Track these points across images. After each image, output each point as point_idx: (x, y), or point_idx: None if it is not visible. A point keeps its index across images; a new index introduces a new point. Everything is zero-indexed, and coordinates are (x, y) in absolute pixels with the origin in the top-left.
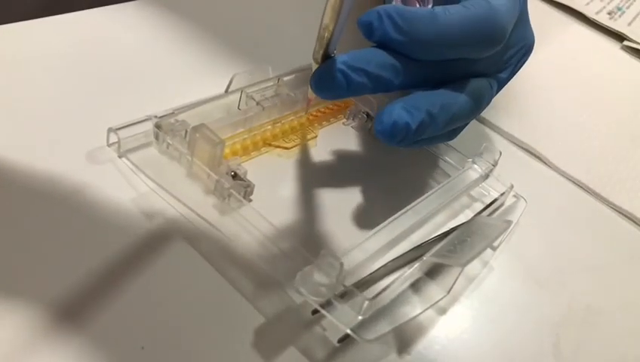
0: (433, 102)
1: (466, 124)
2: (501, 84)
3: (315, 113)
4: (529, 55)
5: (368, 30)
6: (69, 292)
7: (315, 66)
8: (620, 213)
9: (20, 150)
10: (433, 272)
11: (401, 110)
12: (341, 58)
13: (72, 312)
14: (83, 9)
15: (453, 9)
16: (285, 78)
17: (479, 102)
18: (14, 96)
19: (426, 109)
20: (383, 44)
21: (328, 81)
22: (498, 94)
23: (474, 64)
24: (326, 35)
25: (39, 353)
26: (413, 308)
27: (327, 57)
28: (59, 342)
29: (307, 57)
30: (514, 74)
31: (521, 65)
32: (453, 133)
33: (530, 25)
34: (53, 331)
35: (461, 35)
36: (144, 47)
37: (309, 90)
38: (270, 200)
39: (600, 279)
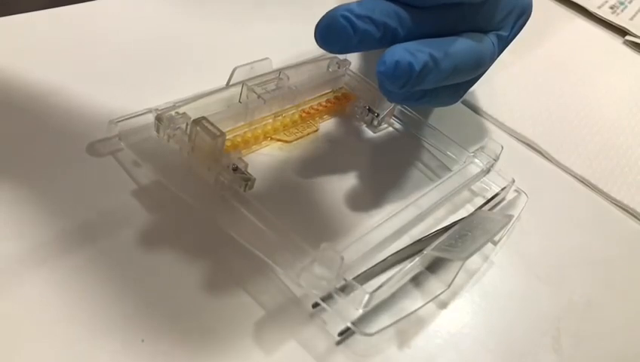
0: (436, 47)
1: (469, 85)
2: (502, 41)
3: (316, 107)
4: (526, 17)
5: None
6: (69, 286)
7: None
8: (621, 207)
9: (21, 142)
10: (434, 266)
11: (404, 51)
12: (344, 7)
13: (71, 306)
14: (84, 1)
15: None
16: (286, 71)
17: (482, 56)
18: (15, 88)
19: (429, 52)
20: None
21: (334, 30)
22: (501, 88)
23: (473, 17)
24: None
25: (39, 350)
26: (414, 302)
27: None
28: (59, 338)
29: (308, 50)
30: (514, 35)
31: (521, 27)
32: (457, 90)
33: None
34: (53, 327)
35: None
36: (145, 40)
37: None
38: (271, 193)
39: (600, 274)
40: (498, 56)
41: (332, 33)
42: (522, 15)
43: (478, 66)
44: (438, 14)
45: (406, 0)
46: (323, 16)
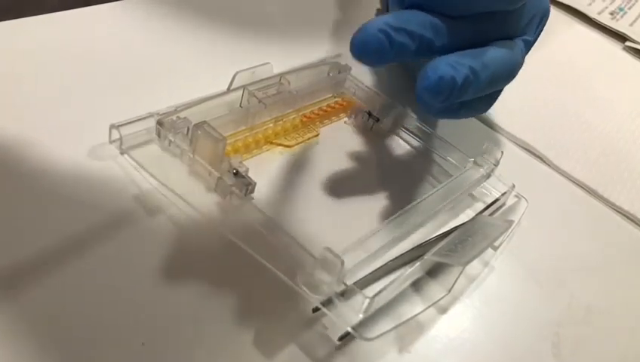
0: (475, 59)
1: (501, 91)
2: (528, 46)
3: (317, 111)
4: (546, 20)
5: None
6: (70, 290)
7: None
8: (620, 213)
9: (22, 146)
10: (434, 271)
11: (446, 65)
12: (380, 20)
13: (73, 309)
14: (88, 5)
15: None
16: (288, 76)
17: (515, 62)
18: (16, 92)
19: (469, 65)
20: (417, 7)
21: (371, 42)
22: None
23: (504, 24)
24: None
25: (40, 349)
26: (414, 307)
27: None
28: (60, 339)
29: (310, 55)
30: (536, 38)
31: (541, 30)
32: (491, 98)
33: None
34: (54, 328)
35: None
36: (146, 44)
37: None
38: (271, 198)
39: (600, 279)
40: (524, 58)
41: (369, 47)
42: (544, 18)
43: (511, 74)
44: (471, 23)
45: (441, 10)
46: (358, 30)
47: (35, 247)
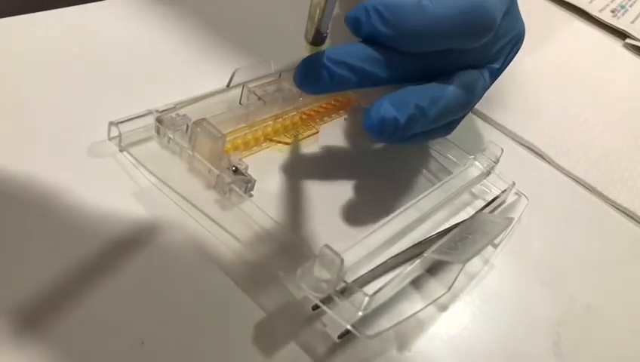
0: (422, 96)
1: (462, 118)
2: (494, 74)
3: (316, 109)
4: (520, 45)
5: (356, 26)
6: (70, 287)
7: (306, 47)
8: (621, 211)
9: (21, 144)
10: (434, 269)
11: (389, 105)
12: (323, 52)
13: (72, 307)
14: (89, 2)
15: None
16: (287, 73)
17: (471, 94)
18: (15, 90)
19: (415, 103)
20: (372, 39)
21: (311, 75)
22: (502, 91)
23: (464, 55)
24: (317, 12)
25: (40, 347)
26: (414, 305)
27: (319, 36)
28: (60, 337)
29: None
30: (506, 65)
31: (513, 56)
32: (449, 126)
33: (520, 15)
34: (54, 326)
35: (450, 25)
36: (146, 42)
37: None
38: (271, 195)
39: (601, 277)
40: (490, 86)
41: (309, 78)
42: (516, 44)
43: (467, 105)
44: (427, 58)
45: (395, 45)
46: (301, 62)
47: (31, 243)
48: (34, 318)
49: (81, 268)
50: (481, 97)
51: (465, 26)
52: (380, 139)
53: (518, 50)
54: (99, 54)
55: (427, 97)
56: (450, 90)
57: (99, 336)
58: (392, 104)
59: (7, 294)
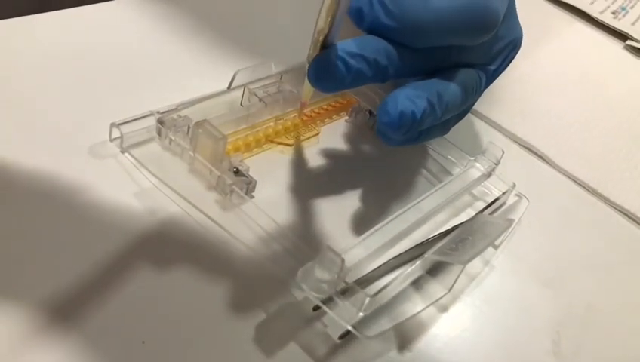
0: (431, 91)
1: (458, 117)
2: (490, 76)
3: (317, 110)
4: (517, 50)
5: (359, 16)
6: (71, 288)
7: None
8: (621, 212)
9: (23, 145)
10: (434, 270)
11: (405, 99)
12: (337, 46)
13: (73, 307)
14: (91, 3)
15: None
16: (288, 75)
17: (469, 92)
18: (16, 91)
19: (426, 97)
20: (374, 31)
21: (328, 70)
22: (502, 93)
23: (464, 54)
24: (320, 38)
25: (41, 348)
26: (415, 306)
27: None
28: (60, 338)
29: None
30: (503, 68)
31: (510, 60)
32: (447, 125)
33: (517, 19)
34: (54, 327)
35: (453, 21)
36: (147, 43)
37: (304, 89)
38: (272, 196)
39: (601, 278)
40: (485, 88)
41: (326, 73)
42: (513, 50)
43: (465, 103)
44: (428, 53)
45: (397, 39)
46: (314, 59)
47: (32, 244)
48: (33, 319)
49: (81, 268)
50: (478, 97)
51: (468, 22)
52: (396, 135)
53: (515, 55)
54: (101, 56)
55: (434, 92)
56: (451, 87)
57: (99, 336)
58: (408, 98)
59: (7, 295)
